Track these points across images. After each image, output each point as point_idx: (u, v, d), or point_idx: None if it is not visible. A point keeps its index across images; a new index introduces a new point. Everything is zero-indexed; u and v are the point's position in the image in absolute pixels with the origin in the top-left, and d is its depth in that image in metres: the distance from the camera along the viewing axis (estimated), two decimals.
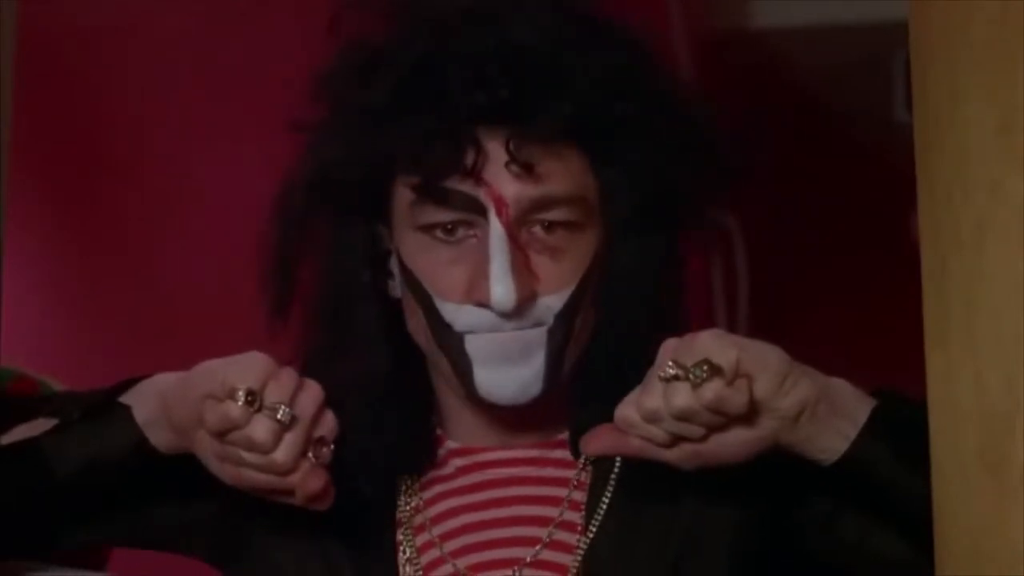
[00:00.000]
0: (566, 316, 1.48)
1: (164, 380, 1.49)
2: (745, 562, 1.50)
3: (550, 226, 1.49)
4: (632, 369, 1.44)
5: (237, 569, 1.55)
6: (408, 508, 1.54)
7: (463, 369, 1.49)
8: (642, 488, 1.49)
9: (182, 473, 1.48)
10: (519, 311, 1.47)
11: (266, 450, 1.36)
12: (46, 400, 1.60)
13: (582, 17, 1.52)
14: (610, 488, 1.52)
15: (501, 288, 1.45)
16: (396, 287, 1.55)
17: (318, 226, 1.56)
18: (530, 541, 1.51)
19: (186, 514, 1.56)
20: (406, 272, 1.52)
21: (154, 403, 1.47)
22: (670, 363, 1.36)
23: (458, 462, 1.55)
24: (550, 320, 1.48)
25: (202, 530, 1.56)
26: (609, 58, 1.50)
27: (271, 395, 1.37)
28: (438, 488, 1.55)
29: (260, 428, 1.36)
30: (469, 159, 1.46)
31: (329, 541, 1.50)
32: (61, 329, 2.60)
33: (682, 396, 1.35)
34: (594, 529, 1.50)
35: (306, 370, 1.46)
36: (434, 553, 1.51)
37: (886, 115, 3.32)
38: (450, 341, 1.49)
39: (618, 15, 1.56)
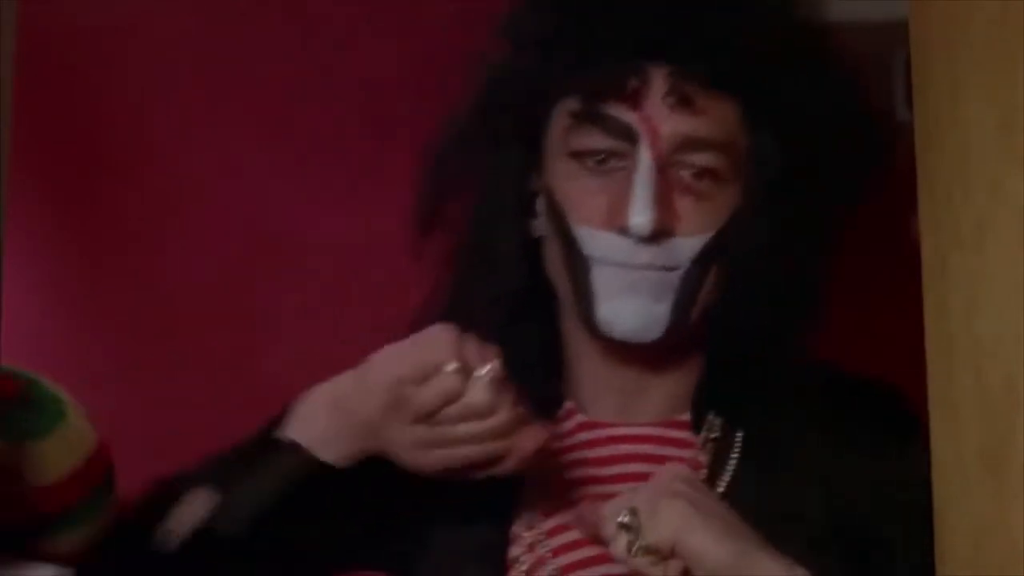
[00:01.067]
0: (700, 262, 1.50)
1: (330, 390, 1.49)
2: (856, 556, 1.49)
3: (699, 173, 1.51)
4: (759, 344, 1.48)
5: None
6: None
7: (588, 299, 1.51)
8: (762, 469, 1.50)
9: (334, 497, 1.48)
10: (655, 243, 1.49)
11: (490, 412, 1.36)
12: (194, 477, 1.56)
13: None
14: (730, 469, 1.52)
15: (641, 212, 1.48)
16: (540, 226, 1.56)
17: (476, 153, 1.59)
18: None
19: (343, 532, 1.54)
20: (551, 201, 1.54)
21: (324, 418, 1.46)
22: (629, 513, 1.37)
23: (585, 435, 1.57)
24: (684, 264, 1.50)
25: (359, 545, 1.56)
26: (778, 19, 1.52)
27: (472, 359, 1.37)
28: (563, 457, 1.56)
29: (480, 392, 1.37)
30: (631, 85, 1.50)
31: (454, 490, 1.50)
32: (61, 329, 2.60)
33: (620, 547, 1.38)
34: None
35: (446, 303, 1.54)
36: (556, 520, 1.53)
37: (886, 114, 3.32)
38: (580, 271, 1.51)
39: None
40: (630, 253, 1.50)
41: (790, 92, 1.51)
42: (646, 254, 1.50)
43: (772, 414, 1.50)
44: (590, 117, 1.51)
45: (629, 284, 1.50)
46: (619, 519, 1.38)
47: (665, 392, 1.55)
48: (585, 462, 1.56)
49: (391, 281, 2.82)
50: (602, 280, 1.51)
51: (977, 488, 1.15)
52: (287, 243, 2.76)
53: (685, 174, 1.51)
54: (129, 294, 2.66)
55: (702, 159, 1.51)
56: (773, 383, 1.51)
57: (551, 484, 1.55)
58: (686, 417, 1.56)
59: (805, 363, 1.49)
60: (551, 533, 1.54)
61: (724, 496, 1.49)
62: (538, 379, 1.55)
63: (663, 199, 1.49)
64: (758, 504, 1.48)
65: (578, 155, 1.52)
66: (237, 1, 2.77)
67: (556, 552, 1.54)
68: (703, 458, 1.54)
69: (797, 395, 1.48)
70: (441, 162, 1.59)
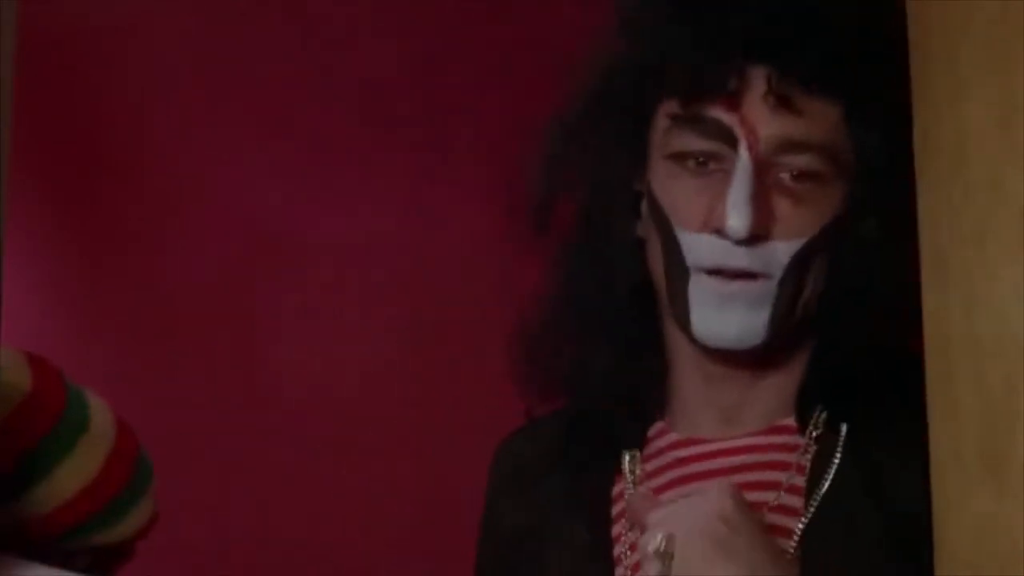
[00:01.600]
0: (797, 267, 1.49)
1: None
2: None
3: (798, 175, 1.50)
4: (864, 344, 1.46)
5: None
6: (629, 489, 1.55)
7: (685, 307, 1.51)
8: (864, 467, 1.49)
9: None
10: (751, 246, 1.48)
11: None
12: None
13: None
14: (832, 470, 1.51)
15: (738, 214, 1.47)
16: (642, 228, 1.57)
17: (585, 152, 1.58)
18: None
19: None
20: (653, 203, 1.54)
21: None
22: (666, 540, 1.37)
23: (682, 452, 1.56)
24: (779, 271, 1.49)
25: None
26: (876, 18, 1.50)
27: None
28: (655, 481, 1.56)
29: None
30: (731, 85, 1.49)
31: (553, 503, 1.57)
32: (61, 329, 2.60)
33: (651, 572, 1.38)
34: (812, 511, 1.50)
35: (554, 302, 1.54)
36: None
37: None
38: (679, 276, 1.51)
39: None
40: (727, 255, 1.49)
41: (891, 92, 1.49)
42: (743, 257, 1.49)
43: (875, 410, 1.49)
44: (689, 119, 1.51)
45: (727, 295, 1.50)
46: (655, 545, 1.38)
47: (767, 397, 1.55)
48: (685, 479, 1.56)
49: (391, 281, 2.83)
50: (699, 288, 1.50)
51: (977, 488, 1.15)
52: (287, 243, 2.76)
53: (785, 176, 1.50)
54: (129, 294, 2.67)
55: (802, 161, 1.50)
56: (876, 379, 1.49)
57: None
58: (790, 420, 1.55)
59: (905, 356, 1.46)
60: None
61: (828, 492, 1.50)
62: (638, 387, 1.56)
63: (761, 201, 1.48)
64: (860, 501, 1.48)
65: (678, 157, 1.52)
66: (237, 1, 2.77)
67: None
68: (805, 460, 1.53)
69: (899, 388, 1.46)
70: (550, 160, 1.59)
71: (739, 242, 1.48)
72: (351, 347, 2.77)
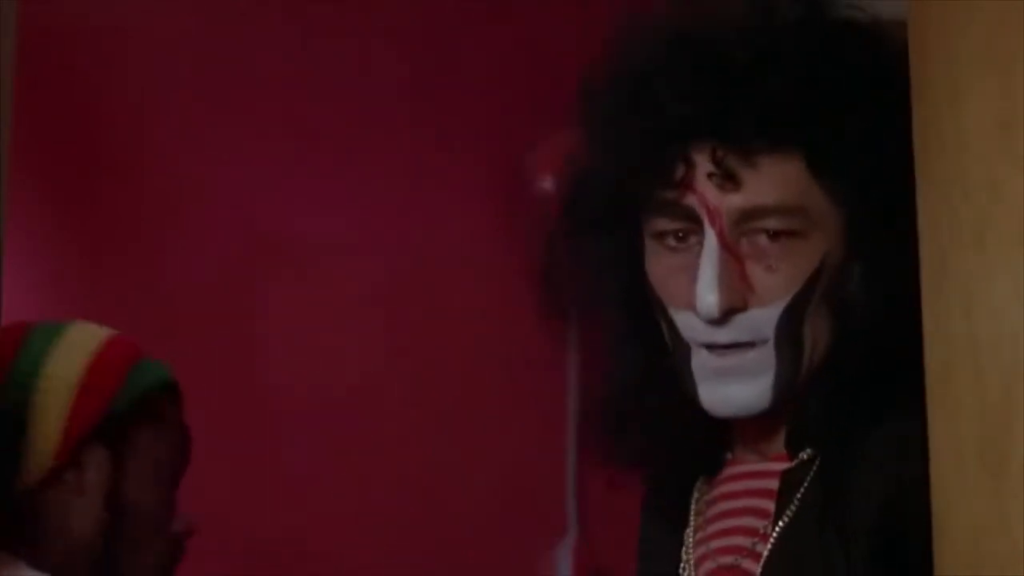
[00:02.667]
0: (788, 328, 1.49)
1: None
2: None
3: (773, 236, 1.49)
4: (865, 380, 1.46)
5: None
6: (698, 506, 1.61)
7: (691, 382, 1.53)
8: (826, 494, 1.50)
9: None
10: (728, 321, 1.49)
11: None
12: None
13: (802, 22, 1.52)
14: (797, 499, 1.52)
15: (704, 296, 1.48)
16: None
17: (584, 246, 1.61)
18: (737, 550, 1.55)
19: None
20: (647, 280, 1.56)
21: None
22: None
23: (728, 471, 1.60)
24: (769, 334, 1.49)
25: None
26: (821, 64, 1.49)
27: None
28: (719, 505, 1.60)
29: None
30: (679, 172, 1.50)
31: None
32: None
33: None
34: (774, 537, 1.52)
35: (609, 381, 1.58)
36: (701, 550, 1.59)
37: None
38: (680, 352, 1.53)
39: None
40: (711, 332, 1.50)
41: (855, 131, 1.48)
42: (727, 332, 1.50)
43: (851, 436, 1.49)
44: (654, 206, 1.52)
45: (725, 368, 1.51)
46: None
47: (782, 427, 1.57)
48: (721, 496, 1.60)
49: (390, 280, 2.83)
50: (699, 363, 1.52)
51: (976, 488, 1.15)
52: (286, 242, 2.76)
53: (761, 239, 1.50)
54: (129, 294, 2.67)
55: (769, 224, 1.49)
56: (863, 406, 1.50)
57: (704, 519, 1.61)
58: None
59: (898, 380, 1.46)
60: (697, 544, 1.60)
61: (790, 520, 1.52)
62: (705, 438, 1.60)
63: (731, 276, 1.49)
64: (816, 527, 1.49)
65: (658, 236, 1.53)
66: (237, 2, 2.77)
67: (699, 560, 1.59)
68: (774, 486, 1.55)
69: (884, 415, 1.47)
70: (555, 258, 1.63)
71: (712, 321, 1.49)
72: (351, 346, 2.77)
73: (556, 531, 2.84)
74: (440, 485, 2.79)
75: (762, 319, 1.49)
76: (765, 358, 1.50)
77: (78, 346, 1.92)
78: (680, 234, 1.52)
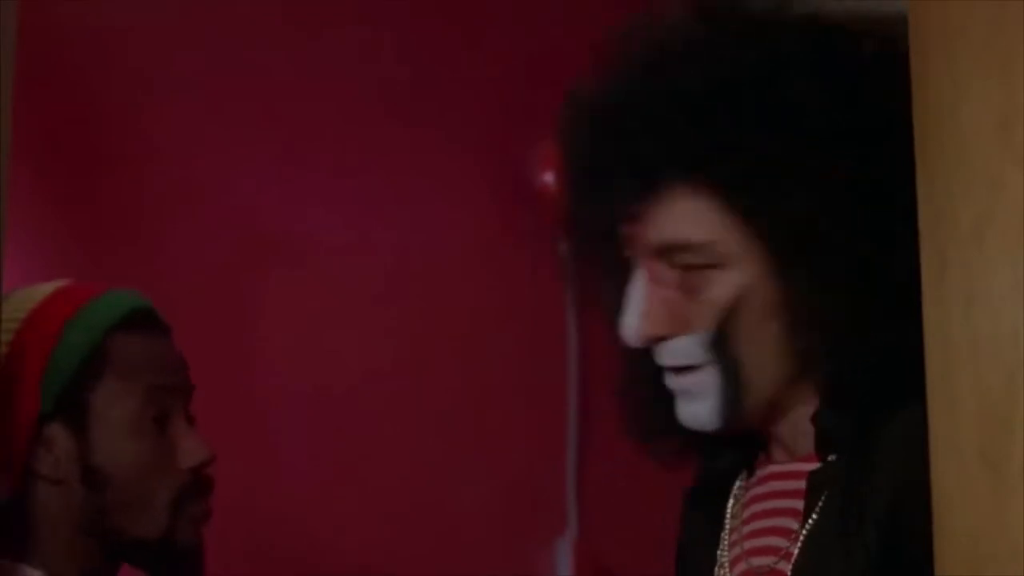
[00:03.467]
0: (718, 355, 1.53)
1: None
2: None
3: (686, 268, 1.54)
4: (883, 383, 1.48)
5: None
6: (733, 510, 1.64)
7: (673, 396, 1.59)
8: (842, 506, 1.52)
9: None
10: (665, 347, 1.55)
11: None
12: None
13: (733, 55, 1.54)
14: (823, 500, 1.54)
15: (627, 326, 1.55)
16: None
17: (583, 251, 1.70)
18: (774, 551, 1.57)
19: None
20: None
21: None
22: None
23: (759, 472, 1.62)
24: (703, 359, 1.54)
25: None
26: (730, 100, 1.51)
27: None
28: (753, 506, 1.62)
29: None
30: (605, 213, 1.57)
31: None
32: None
33: None
34: (804, 537, 1.54)
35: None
36: (735, 551, 1.61)
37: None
38: (661, 370, 1.59)
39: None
40: (659, 356, 1.57)
41: (762, 166, 1.51)
42: (667, 357, 1.56)
43: (873, 437, 1.51)
44: (615, 233, 1.59)
45: (681, 388, 1.57)
46: None
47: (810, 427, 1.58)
48: (754, 498, 1.62)
49: (389, 277, 2.83)
50: (669, 381, 1.58)
51: (976, 485, 1.15)
52: (284, 240, 2.76)
53: (681, 270, 1.54)
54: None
55: (683, 259, 1.54)
56: (885, 408, 1.51)
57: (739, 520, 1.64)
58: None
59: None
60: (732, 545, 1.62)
61: (817, 520, 1.53)
62: (739, 440, 1.63)
63: (653, 306, 1.55)
64: (839, 530, 1.51)
65: (624, 259, 1.59)
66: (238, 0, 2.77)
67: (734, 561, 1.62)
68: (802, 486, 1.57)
69: (906, 415, 1.48)
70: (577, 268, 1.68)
71: (646, 344, 1.55)
72: (351, 341, 2.77)
73: (556, 526, 2.84)
74: (439, 481, 2.80)
75: (690, 346, 1.54)
76: (708, 381, 1.54)
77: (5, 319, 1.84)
78: (631, 261, 1.58)
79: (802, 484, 1.55)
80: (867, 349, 1.49)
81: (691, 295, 1.54)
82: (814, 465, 1.55)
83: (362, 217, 2.80)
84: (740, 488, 1.63)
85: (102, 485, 1.82)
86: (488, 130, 2.80)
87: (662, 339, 1.55)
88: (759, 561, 1.57)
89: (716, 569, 1.61)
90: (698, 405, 1.56)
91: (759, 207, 1.51)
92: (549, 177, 2.68)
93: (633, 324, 1.55)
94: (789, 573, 1.54)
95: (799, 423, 1.57)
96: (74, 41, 2.66)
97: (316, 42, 2.77)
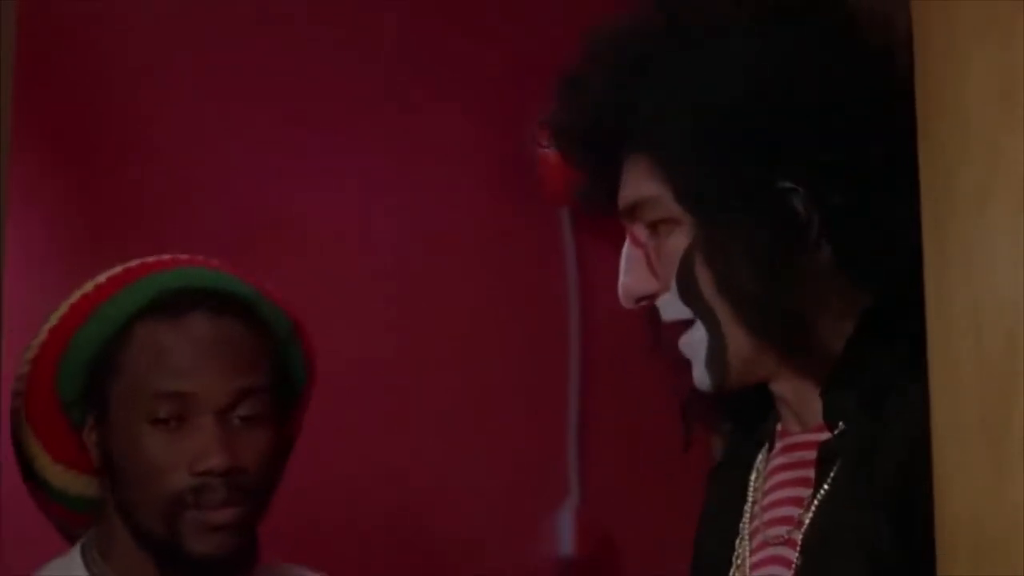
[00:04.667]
0: (691, 307, 1.55)
1: None
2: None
3: (654, 224, 1.58)
4: (890, 353, 1.50)
5: None
6: (756, 483, 1.64)
7: None
8: (852, 476, 1.52)
9: None
10: (657, 305, 1.57)
11: None
12: None
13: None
14: (834, 470, 1.54)
15: (620, 285, 1.59)
16: None
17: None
18: (788, 520, 1.58)
19: None
20: None
21: None
22: None
23: (777, 444, 1.63)
24: (688, 314, 1.56)
25: None
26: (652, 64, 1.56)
27: None
28: (772, 478, 1.63)
29: None
30: (596, 184, 1.63)
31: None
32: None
33: None
34: (815, 507, 1.55)
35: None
36: (755, 522, 1.62)
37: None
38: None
39: None
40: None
41: (677, 127, 1.54)
42: (665, 312, 1.58)
43: (881, 407, 1.52)
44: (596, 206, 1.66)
45: (684, 348, 1.58)
46: None
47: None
48: (773, 470, 1.63)
49: (389, 254, 2.83)
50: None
51: (977, 454, 1.16)
52: (283, 220, 2.76)
53: (649, 230, 1.58)
54: None
55: (644, 215, 1.58)
56: (892, 377, 1.52)
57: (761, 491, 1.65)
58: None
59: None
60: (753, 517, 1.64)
61: (824, 499, 1.54)
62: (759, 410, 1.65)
63: (635, 266, 1.59)
64: (849, 500, 1.52)
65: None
66: None
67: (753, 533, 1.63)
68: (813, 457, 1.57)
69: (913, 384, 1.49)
70: None
71: (635, 305, 1.58)
72: (355, 316, 2.77)
73: (558, 495, 2.85)
74: (441, 451, 2.80)
75: (669, 302, 1.57)
76: (698, 337, 1.56)
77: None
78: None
79: (814, 454, 1.55)
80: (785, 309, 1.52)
81: (659, 251, 1.57)
82: (826, 435, 1.55)
83: (363, 200, 2.80)
84: (762, 461, 1.64)
85: (119, 479, 1.77)
86: (495, 101, 2.80)
87: (647, 297, 1.58)
88: (775, 531, 1.58)
89: (737, 541, 1.62)
90: (696, 366, 1.57)
91: (673, 165, 1.55)
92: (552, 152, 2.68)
93: (621, 283, 1.58)
94: (799, 542, 1.54)
95: (800, 388, 1.57)
96: (73, 29, 2.66)
97: (316, 22, 2.76)
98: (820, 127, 1.51)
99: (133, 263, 1.82)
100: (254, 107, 2.74)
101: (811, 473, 1.55)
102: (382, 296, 2.80)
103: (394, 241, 2.82)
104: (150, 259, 1.83)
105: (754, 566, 1.59)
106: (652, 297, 1.58)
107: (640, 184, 1.57)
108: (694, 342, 1.56)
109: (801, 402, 1.58)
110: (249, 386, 1.76)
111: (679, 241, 1.55)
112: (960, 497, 1.17)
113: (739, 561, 1.61)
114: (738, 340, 1.54)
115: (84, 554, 1.81)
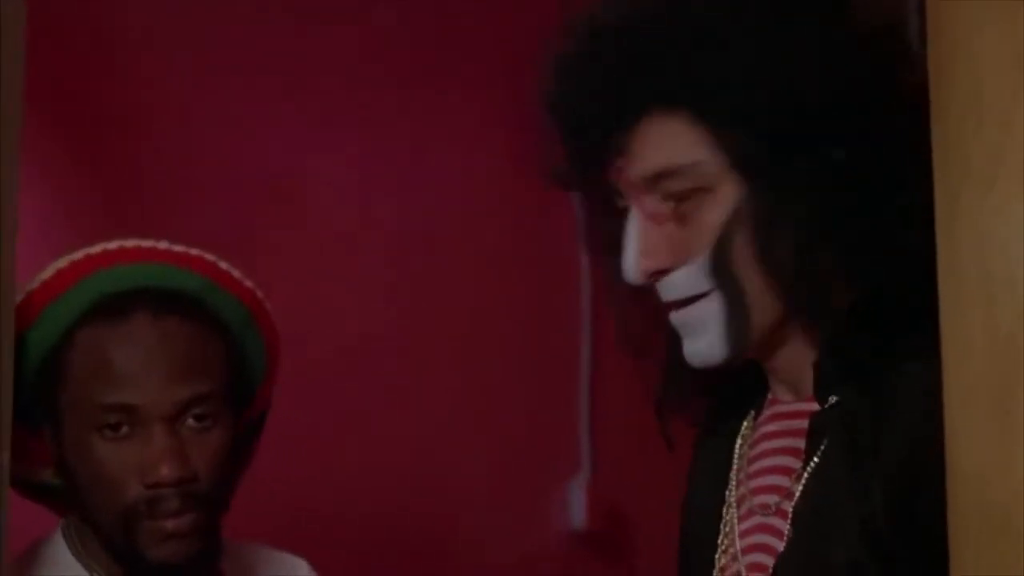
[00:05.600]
0: (719, 281, 1.52)
1: None
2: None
3: (681, 193, 1.53)
4: (886, 326, 1.48)
5: None
6: (741, 449, 1.63)
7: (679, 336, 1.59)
8: (846, 449, 1.52)
9: None
10: (666, 282, 1.54)
11: None
12: None
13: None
14: (826, 442, 1.54)
15: (626, 263, 1.55)
16: None
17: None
18: (777, 490, 1.57)
19: None
20: None
21: None
22: None
23: (766, 412, 1.63)
24: (706, 287, 1.53)
25: None
26: (698, 25, 1.51)
27: None
28: (759, 445, 1.63)
29: None
30: (587, 153, 1.58)
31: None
32: None
33: None
34: (806, 478, 1.54)
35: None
36: (742, 489, 1.62)
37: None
38: (665, 311, 1.58)
39: None
40: (662, 293, 1.56)
41: (731, 83, 1.50)
42: (671, 290, 1.55)
43: (874, 381, 1.51)
44: (601, 186, 1.59)
45: (683, 322, 1.56)
46: None
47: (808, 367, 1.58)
48: (761, 437, 1.62)
49: (391, 217, 2.83)
50: (672, 319, 1.57)
51: (987, 425, 1.16)
52: (286, 183, 2.76)
53: (672, 200, 1.54)
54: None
55: (671, 185, 1.53)
56: (885, 351, 1.51)
57: (747, 457, 1.64)
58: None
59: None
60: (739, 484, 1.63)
61: (819, 463, 1.53)
62: (747, 379, 1.63)
63: (650, 241, 1.54)
64: (842, 473, 1.51)
65: (619, 210, 1.58)
66: None
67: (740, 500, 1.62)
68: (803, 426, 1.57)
69: (907, 360, 1.48)
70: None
71: (647, 280, 1.54)
72: (361, 288, 2.78)
73: (569, 468, 2.85)
74: (452, 424, 2.81)
75: (690, 275, 1.53)
76: (711, 309, 1.53)
77: None
78: (625, 206, 1.56)
79: (805, 424, 1.55)
80: (842, 275, 1.50)
81: (685, 223, 1.53)
82: (817, 406, 1.55)
83: (370, 161, 2.80)
84: (747, 428, 1.63)
85: (78, 485, 1.72)
86: (489, 65, 2.79)
87: (663, 272, 1.54)
88: (763, 499, 1.57)
89: (724, 509, 1.62)
90: (699, 339, 1.54)
91: (729, 121, 1.50)
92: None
93: (633, 261, 1.54)
94: (790, 512, 1.54)
95: (795, 358, 1.56)
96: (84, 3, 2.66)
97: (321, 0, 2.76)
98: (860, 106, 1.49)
99: (78, 255, 1.74)
100: (259, 82, 2.73)
101: (801, 443, 1.55)
102: (387, 265, 2.80)
103: (406, 220, 2.82)
104: (95, 250, 1.74)
105: (743, 533, 1.58)
106: (664, 273, 1.55)
107: (675, 150, 1.52)
108: (704, 315, 1.53)
109: (797, 371, 1.57)
110: (197, 393, 1.70)
111: (714, 211, 1.52)
112: (969, 467, 1.17)
113: (727, 528, 1.60)
114: (764, 310, 1.53)
115: (66, 536, 1.80)
